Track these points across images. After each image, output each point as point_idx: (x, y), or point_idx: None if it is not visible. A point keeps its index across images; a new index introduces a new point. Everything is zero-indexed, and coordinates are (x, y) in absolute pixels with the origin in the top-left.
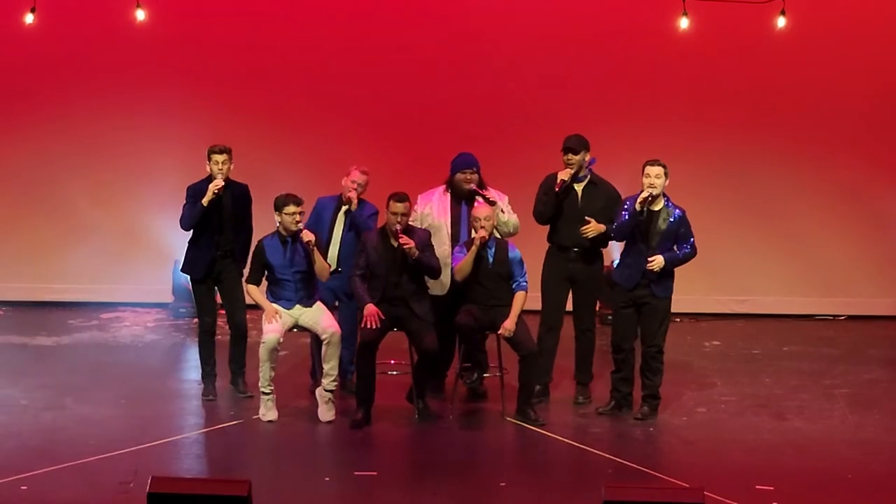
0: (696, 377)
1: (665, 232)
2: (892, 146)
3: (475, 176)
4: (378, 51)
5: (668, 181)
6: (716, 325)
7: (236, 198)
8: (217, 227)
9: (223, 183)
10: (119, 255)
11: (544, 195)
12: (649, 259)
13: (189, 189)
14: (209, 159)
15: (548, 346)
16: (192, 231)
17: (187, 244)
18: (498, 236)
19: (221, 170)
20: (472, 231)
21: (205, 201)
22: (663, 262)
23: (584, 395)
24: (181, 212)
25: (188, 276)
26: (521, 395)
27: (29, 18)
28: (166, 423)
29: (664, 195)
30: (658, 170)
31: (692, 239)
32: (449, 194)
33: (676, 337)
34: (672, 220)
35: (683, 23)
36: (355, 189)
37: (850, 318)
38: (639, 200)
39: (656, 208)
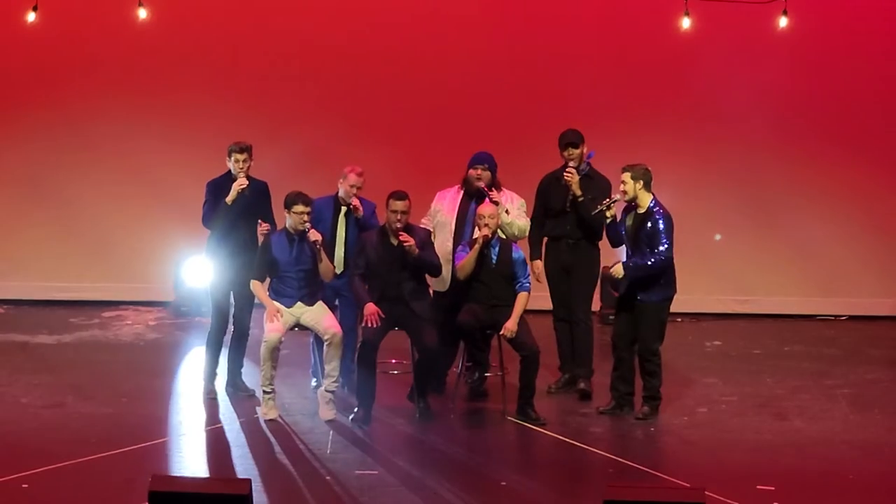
0: (698, 377)
1: (639, 235)
2: (895, 146)
3: (486, 173)
4: (384, 51)
5: (640, 184)
6: (717, 325)
7: (254, 194)
8: (235, 224)
9: (247, 182)
10: (121, 254)
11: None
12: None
13: (209, 185)
14: (230, 157)
15: (561, 338)
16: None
17: (208, 242)
18: (502, 237)
19: (242, 168)
20: (477, 229)
21: (229, 200)
22: (622, 271)
23: (585, 383)
24: (202, 210)
25: (204, 274)
26: (522, 395)
27: (31, 17)
28: (167, 422)
29: (653, 198)
30: (624, 175)
31: (661, 247)
32: (462, 192)
33: (677, 337)
34: (648, 224)
35: (685, 23)
36: (355, 194)
37: (852, 318)
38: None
39: (640, 211)
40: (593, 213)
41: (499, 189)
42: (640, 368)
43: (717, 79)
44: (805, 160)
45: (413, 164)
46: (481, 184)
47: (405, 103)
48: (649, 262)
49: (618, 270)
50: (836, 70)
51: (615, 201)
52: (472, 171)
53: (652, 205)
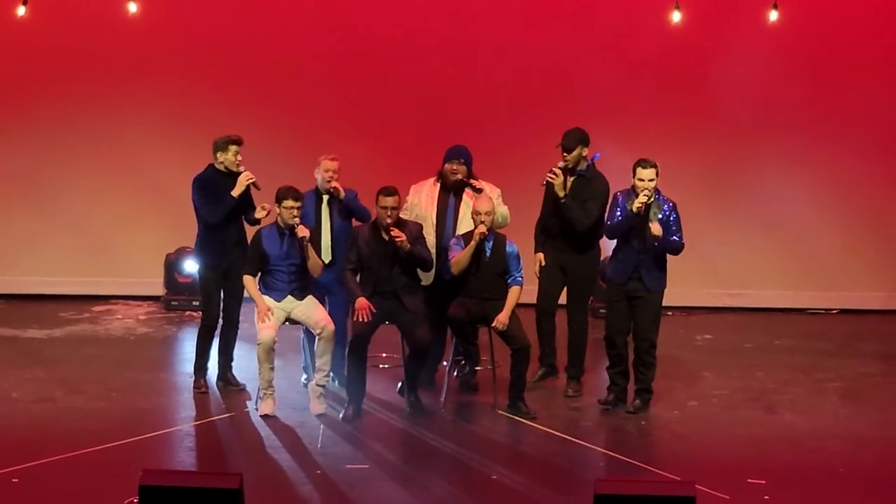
0: (688, 371)
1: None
2: (887, 140)
3: (462, 167)
4: (374, 44)
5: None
6: (708, 318)
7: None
8: (230, 219)
9: (253, 176)
10: (111, 248)
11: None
12: (651, 225)
13: (199, 182)
14: (225, 150)
15: (543, 331)
16: (202, 223)
17: (199, 235)
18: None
19: (241, 161)
20: (456, 223)
21: (236, 193)
22: (661, 231)
23: (573, 388)
24: (200, 207)
25: (194, 268)
26: (513, 389)
27: (21, 11)
28: (158, 416)
29: (656, 189)
30: (651, 172)
31: (678, 235)
32: (438, 185)
33: (668, 330)
34: (662, 214)
35: (676, 16)
36: (333, 177)
37: (843, 312)
38: (636, 207)
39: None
40: (635, 214)
41: (475, 180)
42: (637, 361)
43: (707, 73)
44: (796, 154)
45: (406, 158)
46: (459, 177)
47: (395, 97)
48: (672, 241)
49: (658, 230)
50: (827, 64)
51: (651, 199)
52: (447, 166)
53: (659, 197)
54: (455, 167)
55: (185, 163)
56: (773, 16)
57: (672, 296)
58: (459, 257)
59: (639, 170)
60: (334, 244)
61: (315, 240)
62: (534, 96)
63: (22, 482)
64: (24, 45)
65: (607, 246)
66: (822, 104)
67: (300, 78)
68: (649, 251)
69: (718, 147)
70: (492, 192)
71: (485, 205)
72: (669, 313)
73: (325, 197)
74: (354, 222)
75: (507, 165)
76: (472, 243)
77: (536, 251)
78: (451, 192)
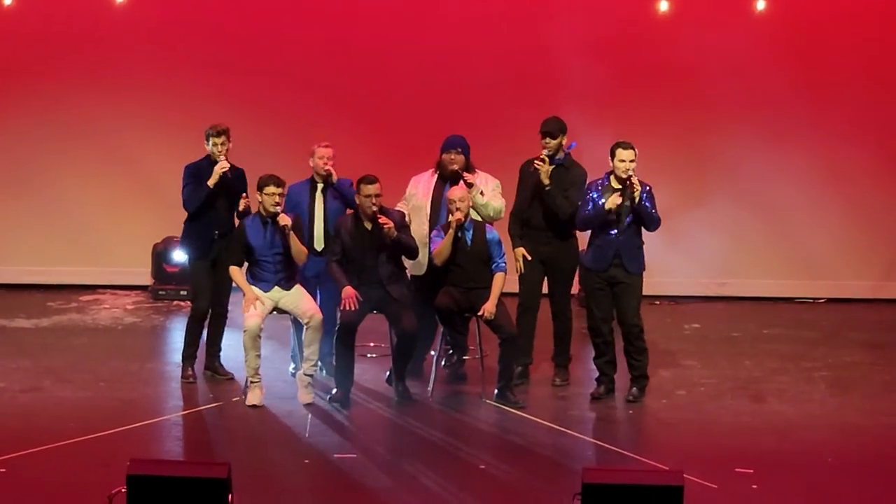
0: (676, 360)
1: (635, 208)
2: (875, 129)
3: (460, 157)
4: (366, 36)
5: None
6: (696, 307)
7: (232, 180)
8: (214, 207)
9: (228, 165)
10: (99, 238)
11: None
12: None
13: (188, 169)
14: (207, 141)
15: (525, 328)
16: (190, 212)
17: (185, 225)
18: (478, 219)
19: (221, 151)
20: (449, 214)
21: (211, 183)
22: (639, 186)
23: (561, 377)
24: (183, 194)
25: (185, 258)
26: (501, 378)
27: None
28: (146, 406)
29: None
30: (631, 153)
31: (656, 211)
32: (436, 176)
33: (656, 319)
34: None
35: (663, 5)
36: (328, 163)
37: (831, 300)
38: (609, 206)
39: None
40: (607, 211)
41: (472, 172)
42: (629, 348)
43: (697, 62)
44: (784, 143)
45: (398, 149)
46: (455, 167)
47: (388, 88)
48: (651, 209)
49: (636, 184)
50: (817, 54)
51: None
52: (444, 156)
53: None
54: (452, 157)
55: (173, 152)
56: (761, 4)
57: (660, 285)
58: (440, 248)
59: (619, 151)
60: (327, 231)
61: (309, 228)
62: (529, 89)
63: (9, 472)
64: (10, 34)
65: (584, 235)
66: (810, 92)
67: (295, 69)
68: (631, 227)
69: (705, 136)
70: (488, 183)
71: (457, 192)
72: (657, 302)
73: (320, 186)
74: (349, 212)
75: (505, 157)
76: (450, 231)
77: (515, 246)
78: (447, 182)
